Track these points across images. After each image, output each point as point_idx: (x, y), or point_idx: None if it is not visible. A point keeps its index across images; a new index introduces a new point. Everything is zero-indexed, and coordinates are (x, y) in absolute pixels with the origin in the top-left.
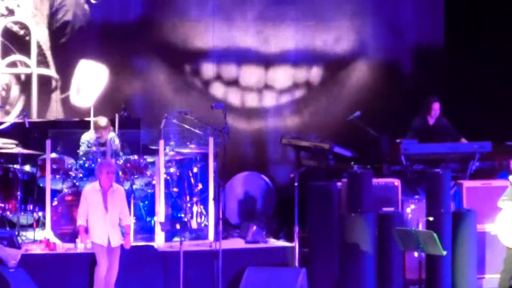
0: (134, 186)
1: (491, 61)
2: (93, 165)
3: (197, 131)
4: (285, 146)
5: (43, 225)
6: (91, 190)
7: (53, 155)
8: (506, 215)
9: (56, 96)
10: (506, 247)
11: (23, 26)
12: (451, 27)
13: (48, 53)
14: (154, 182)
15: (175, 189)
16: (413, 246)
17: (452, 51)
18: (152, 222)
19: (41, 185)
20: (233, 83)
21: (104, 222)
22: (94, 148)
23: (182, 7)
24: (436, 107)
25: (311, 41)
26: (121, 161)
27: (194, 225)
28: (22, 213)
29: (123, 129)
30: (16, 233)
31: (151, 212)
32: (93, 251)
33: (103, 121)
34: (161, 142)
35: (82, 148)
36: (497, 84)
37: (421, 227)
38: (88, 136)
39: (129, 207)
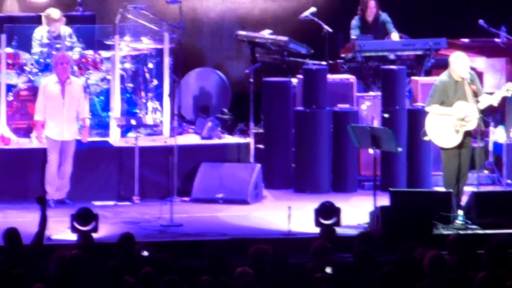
0: (89, 81)
1: None
2: (48, 60)
3: (152, 26)
4: (240, 42)
5: None
6: (48, 82)
7: (8, 49)
8: (434, 118)
9: None
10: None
11: None
12: None
13: None
14: (109, 77)
15: (130, 85)
16: (368, 143)
17: None
18: (107, 117)
19: None
20: None
21: (61, 114)
22: (47, 41)
23: None
24: (371, 5)
25: None
26: (77, 56)
27: (149, 120)
28: None
29: (78, 24)
30: None
31: (106, 107)
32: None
33: (55, 13)
34: (116, 37)
35: (34, 45)
36: None
37: (376, 124)
38: (40, 32)
39: None
